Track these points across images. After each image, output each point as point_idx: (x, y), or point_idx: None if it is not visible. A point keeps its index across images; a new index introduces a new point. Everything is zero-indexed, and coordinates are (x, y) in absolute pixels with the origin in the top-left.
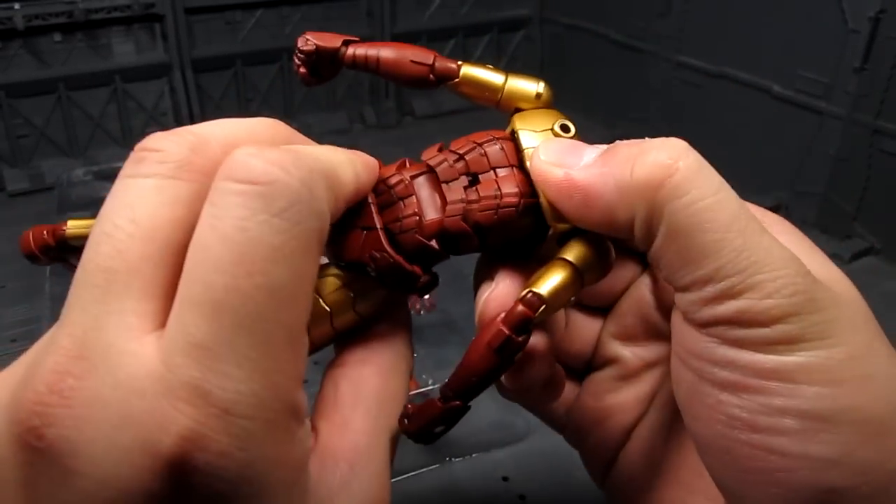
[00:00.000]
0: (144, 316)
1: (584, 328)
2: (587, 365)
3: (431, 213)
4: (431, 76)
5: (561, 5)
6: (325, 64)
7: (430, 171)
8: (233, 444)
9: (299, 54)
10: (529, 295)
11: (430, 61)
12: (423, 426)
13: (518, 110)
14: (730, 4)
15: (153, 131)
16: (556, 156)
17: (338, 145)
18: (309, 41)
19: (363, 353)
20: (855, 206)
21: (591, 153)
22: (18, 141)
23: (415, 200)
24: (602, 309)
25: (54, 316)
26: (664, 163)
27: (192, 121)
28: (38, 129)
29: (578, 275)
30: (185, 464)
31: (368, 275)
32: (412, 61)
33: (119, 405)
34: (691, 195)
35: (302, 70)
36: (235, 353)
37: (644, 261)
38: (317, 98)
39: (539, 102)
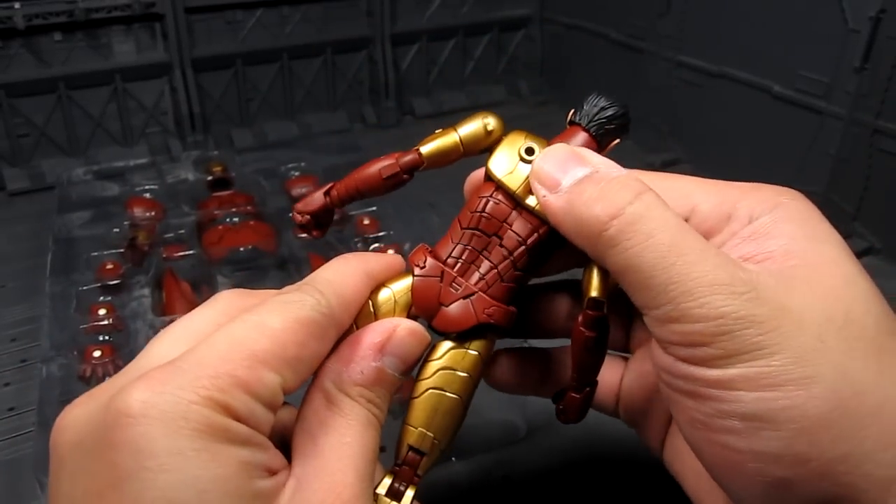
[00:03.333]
0: None
1: (612, 310)
2: (623, 348)
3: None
4: (405, 176)
5: (561, 5)
6: (323, 217)
7: (468, 247)
8: None
9: (304, 226)
10: (591, 301)
11: (397, 168)
12: (577, 416)
13: (486, 150)
14: (730, 4)
15: (153, 131)
16: (541, 173)
17: (338, 145)
18: (303, 216)
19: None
20: (855, 206)
21: (571, 176)
22: (18, 140)
23: (475, 269)
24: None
25: (54, 316)
26: (601, 218)
27: (193, 120)
28: (38, 129)
29: None
30: None
31: (474, 336)
32: (384, 178)
33: None
34: (622, 244)
35: (315, 234)
36: None
37: None
38: (317, 98)
39: (494, 136)
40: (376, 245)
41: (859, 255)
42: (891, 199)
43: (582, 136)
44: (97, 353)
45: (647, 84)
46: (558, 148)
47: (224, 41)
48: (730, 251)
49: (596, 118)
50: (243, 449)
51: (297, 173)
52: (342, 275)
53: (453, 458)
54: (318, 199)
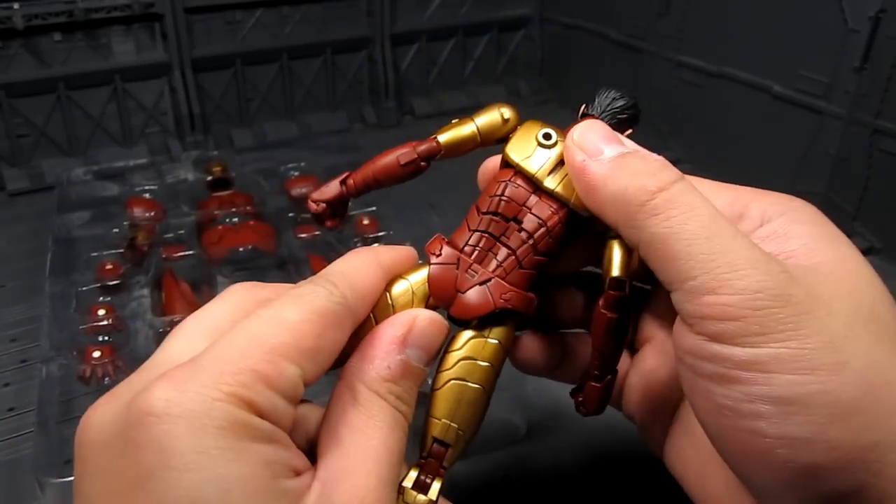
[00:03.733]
0: None
1: None
2: (628, 344)
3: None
4: (422, 163)
5: (561, 5)
6: (338, 207)
7: (485, 234)
8: None
9: (319, 216)
10: (613, 281)
11: (415, 155)
12: (597, 407)
13: (502, 140)
14: (730, 4)
15: (153, 131)
16: (584, 140)
17: (338, 145)
18: (318, 203)
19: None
20: (855, 206)
21: (614, 149)
22: (18, 140)
23: (492, 257)
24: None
25: (54, 316)
26: (648, 188)
27: (192, 120)
28: (38, 129)
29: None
30: None
31: (493, 323)
32: (402, 165)
33: None
34: (667, 213)
35: (329, 224)
36: None
37: None
38: (317, 98)
39: (510, 124)
40: (376, 245)
41: None
42: (891, 199)
43: None
44: (97, 354)
45: (647, 84)
46: (598, 124)
47: (224, 41)
48: None
49: (609, 108)
50: (267, 446)
51: (296, 173)
52: (354, 267)
53: None
54: (333, 187)
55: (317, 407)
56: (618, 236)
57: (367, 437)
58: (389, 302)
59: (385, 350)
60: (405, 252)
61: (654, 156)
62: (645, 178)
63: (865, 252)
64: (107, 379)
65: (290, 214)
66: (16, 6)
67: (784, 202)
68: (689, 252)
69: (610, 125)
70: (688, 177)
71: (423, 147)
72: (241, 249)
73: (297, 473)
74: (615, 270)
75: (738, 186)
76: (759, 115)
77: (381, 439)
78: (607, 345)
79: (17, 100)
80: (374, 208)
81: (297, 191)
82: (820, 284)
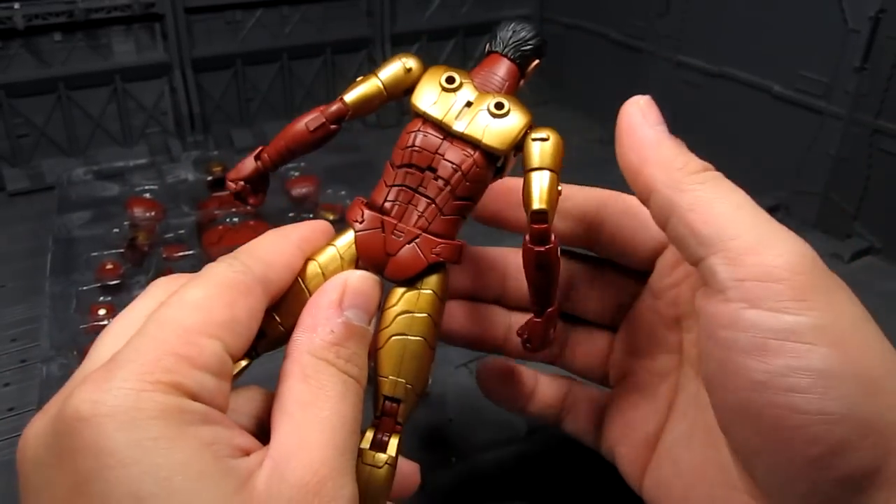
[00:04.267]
0: None
1: (589, 343)
2: (603, 380)
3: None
4: (332, 126)
5: (561, 5)
6: (258, 183)
7: (402, 187)
8: None
9: (239, 194)
10: (533, 214)
11: (323, 119)
12: (541, 341)
13: (409, 91)
14: (730, 4)
15: (153, 131)
16: (648, 109)
17: (338, 145)
18: (237, 183)
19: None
20: (855, 206)
21: (662, 126)
22: (18, 140)
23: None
24: (608, 326)
25: (54, 316)
26: (700, 162)
27: (192, 120)
28: (38, 129)
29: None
30: None
31: (425, 275)
32: (311, 131)
33: None
34: (714, 181)
35: (252, 201)
36: None
37: (643, 278)
38: (317, 98)
39: (414, 74)
40: None
41: (859, 254)
42: (891, 199)
43: (502, 61)
44: None
45: (647, 84)
46: (649, 101)
47: (224, 41)
48: None
49: (511, 42)
50: (203, 427)
51: (297, 173)
52: (258, 241)
53: (453, 459)
54: (249, 164)
55: (263, 391)
56: (535, 170)
57: (318, 409)
58: (319, 270)
59: (325, 316)
60: (315, 224)
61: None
62: (689, 158)
63: (865, 252)
64: None
65: (290, 214)
66: (16, 6)
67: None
68: (735, 215)
69: (514, 58)
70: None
71: (330, 110)
72: None
73: (245, 453)
74: (536, 203)
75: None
76: (759, 115)
77: (333, 408)
78: (540, 279)
79: (17, 100)
80: None
81: (297, 191)
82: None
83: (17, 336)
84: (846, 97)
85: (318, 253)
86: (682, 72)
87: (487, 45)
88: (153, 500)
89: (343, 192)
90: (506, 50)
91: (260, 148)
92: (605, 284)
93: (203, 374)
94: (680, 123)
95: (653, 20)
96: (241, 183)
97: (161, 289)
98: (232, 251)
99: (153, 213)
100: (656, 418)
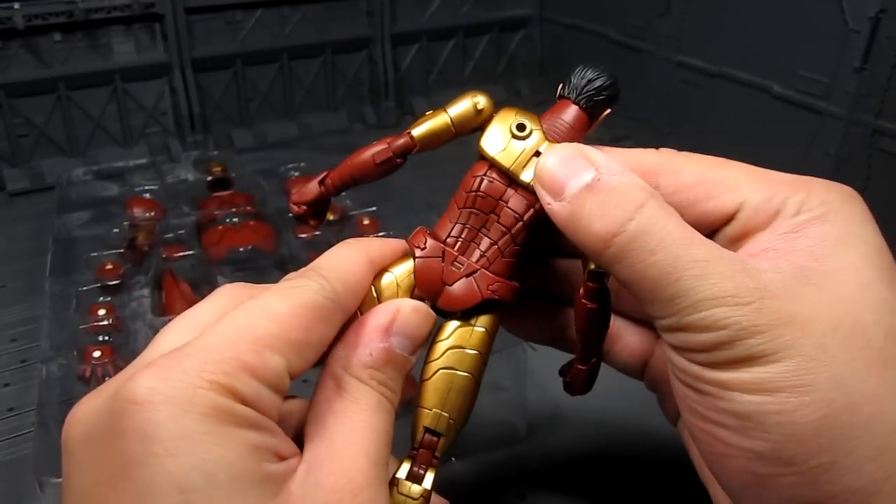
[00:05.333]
0: None
1: (633, 339)
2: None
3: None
4: (398, 160)
5: (561, 5)
6: (319, 206)
7: (466, 225)
8: None
9: (301, 217)
10: (590, 273)
11: (390, 153)
12: (584, 387)
13: (477, 129)
14: (730, 4)
15: (153, 131)
16: (546, 177)
17: (338, 145)
18: (299, 206)
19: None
20: None
21: (578, 180)
22: (18, 140)
23: (476, 248)
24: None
25: (54, 316)
26: (602, 236)
27: (192, 121)
28: (38, 129)
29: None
30: None
31: (479, 312)
32: (377, 164)
33: None
34: (625, 262)
35: (312, 223)
36: None
37: None
38: (317, 98)
39: (484, 114)
40: None
41: None
42: (891, 199)
43: (573, 109)
44: (97, 354)
45: (647, 84)
46: (562, 148)
47: (224, 41)
48: (760, 243)
49: (584, 90)
50: (250, 432)
51: (296, 173)
52: (345, 260)
53: (453, 459)
54: (312, 188)
55: (304, 402)
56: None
57: (351, 420)
58: (375, 295)
59: (368, 338)
60: (395, 244)
61: (615, 180)
62: (598, 222)
63: None
64: (107, 379)
65: (290, 214)
66: (16, 6)
67: (823, 194)
68: (653, 298)
69: (585, 108)
70: (726, 162)
71: (397, 143)
72: (241, 249)
73: (284, 459)
74: (593, 263)
75: (781, 176)
76: (759, 115)
77: (366, 420)
78: (589, 332)
79: (17, 100)
80: (374, 208)
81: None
82: (799, 298)
83: (16, 336)
84: (846, 97)
85: (377, 277)
86: (682, 72)
87: (560, 88)
88: (195, 494)
89: (343, 193)
90: (578, 98)
91: (325, 173)
92: None
93: (261, 385)
94: (680, 123)
95: (653, 20)
96: (304, 207)
97: (232, 294)
98: (235, 252)
99: (153, 214)
100: None
